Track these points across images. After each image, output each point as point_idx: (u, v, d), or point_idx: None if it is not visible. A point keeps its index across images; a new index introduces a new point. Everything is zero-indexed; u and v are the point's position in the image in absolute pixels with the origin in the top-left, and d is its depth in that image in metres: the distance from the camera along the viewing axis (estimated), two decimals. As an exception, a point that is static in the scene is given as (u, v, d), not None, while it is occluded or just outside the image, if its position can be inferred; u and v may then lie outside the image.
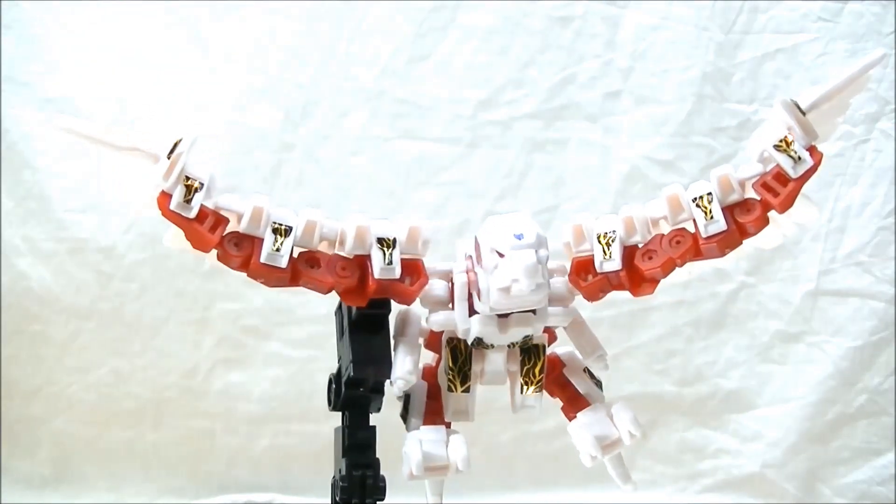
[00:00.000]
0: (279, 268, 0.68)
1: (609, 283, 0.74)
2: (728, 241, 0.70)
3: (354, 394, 0.76)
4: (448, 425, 0.74)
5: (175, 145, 0.67)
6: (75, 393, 1.48)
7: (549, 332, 0.76)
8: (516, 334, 0.71)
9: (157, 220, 1.52)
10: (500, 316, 0.68)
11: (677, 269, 0.73)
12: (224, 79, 1.48)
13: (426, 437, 0.72)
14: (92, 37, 1.48)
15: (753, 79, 1.47)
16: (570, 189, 1.49)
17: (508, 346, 0.72)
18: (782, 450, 1.45)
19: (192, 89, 1.48)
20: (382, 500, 0.75)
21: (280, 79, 1.49)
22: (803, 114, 0.68)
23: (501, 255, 0.64)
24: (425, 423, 0.74)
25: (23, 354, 1.47)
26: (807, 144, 0.70)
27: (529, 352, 0.74)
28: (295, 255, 0.69)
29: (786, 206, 0.68)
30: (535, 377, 0.74)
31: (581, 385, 0.79)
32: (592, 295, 0.75)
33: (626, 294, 1.49)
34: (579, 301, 0.77)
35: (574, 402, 0.78)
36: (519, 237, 0.64)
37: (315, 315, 1.40)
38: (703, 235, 0.69)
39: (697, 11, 1.47)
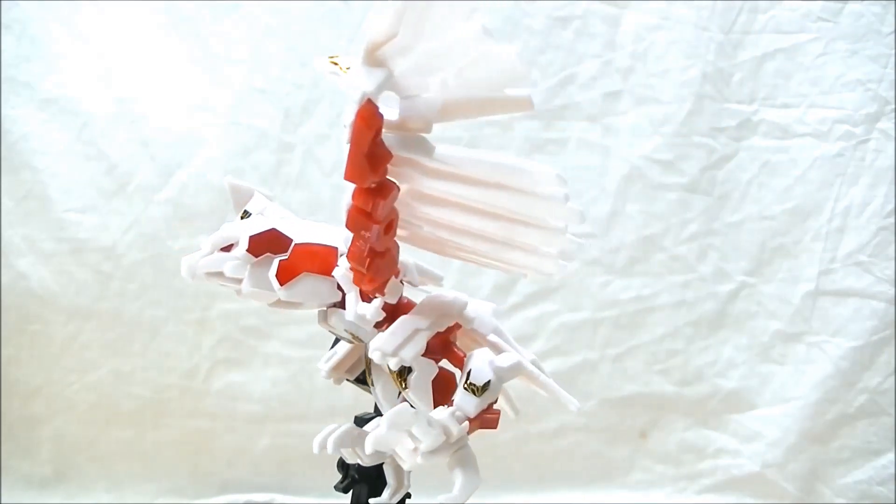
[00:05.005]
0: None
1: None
2: (356, 223, 0.61)
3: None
4: None
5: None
6: (75, 393, 1.48)
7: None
8: (336, 324, 0.72)
9: (156, 221, 1.52)
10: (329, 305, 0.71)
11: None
12: (224, 79, 1.48)
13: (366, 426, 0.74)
14: (92, 37, 1.48)
15: (753, 79, 1.47)
16: (570, 189, 1.48)
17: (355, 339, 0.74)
18: (782, 450, 1.45)
19: (192, 89, 1.48)
20: (366, 485, 0.79)
21: (280, 79, 1.49)
22: (341, 66, 0.56)
23: None
24: None
25: (23, 354, 1.47)
26: (356, 105, 0.55)
27: None
28: None
29: (348, 176, 0.57)
30: (391, 373, 0.72)
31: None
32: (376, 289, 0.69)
33: (627, 294, 1.51)
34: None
35: None
36: None
37: (315, 315, 1.40)
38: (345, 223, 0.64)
39: (697, 11, 1.47)
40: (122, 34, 1.48)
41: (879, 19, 1.45)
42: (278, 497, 1.44)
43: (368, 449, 0.66)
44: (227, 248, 0.68)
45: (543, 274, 0.69)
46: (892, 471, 1.43)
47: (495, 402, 0.72)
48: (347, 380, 0.81)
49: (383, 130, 0.57)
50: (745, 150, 1.48)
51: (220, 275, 0.68)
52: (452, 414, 0.68)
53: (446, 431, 0.67)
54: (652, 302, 1.48)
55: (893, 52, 1.43)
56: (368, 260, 0.64)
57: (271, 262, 0.67)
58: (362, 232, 0.62)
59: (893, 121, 1.44)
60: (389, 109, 0.56)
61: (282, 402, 1.48)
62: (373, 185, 0.58)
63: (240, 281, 0.67)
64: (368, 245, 0.63)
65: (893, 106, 1.44)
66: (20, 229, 1.46)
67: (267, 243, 0.68)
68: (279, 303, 0.70)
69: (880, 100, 1.44)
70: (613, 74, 1.48)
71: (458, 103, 0.54)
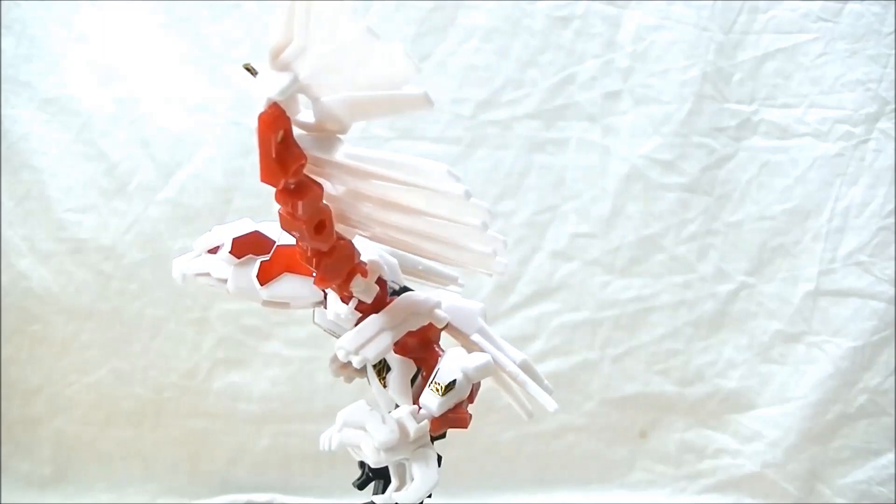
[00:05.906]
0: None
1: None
2: (285, 223, 0.62)
3: None
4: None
5: None
6: (75, 393, 1.48)
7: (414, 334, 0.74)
8: (320, 322, 0.75)
9: (156, 221, 1.52)
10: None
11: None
12: (224, 79, 1.48)
13: None
14: (92, 37, 1.48)
15: (753, 79, 1.47)
16: (570, 189, 1.49)
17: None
18: (782, 450, 1.45)
19: (192, 89, 1.48)
20: (381, 482, 0.79)
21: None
22: (253, 73, 0.56)
23: None
24: None
25: (23, 354, 1.47)
26: (263, 106, 0.54)
27: None
28: None
29: (262, 178, 0.57)
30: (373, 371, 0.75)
31: None
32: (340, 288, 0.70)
33: (627, 294, 1.51)
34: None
35: None
36: None
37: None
38: None
39: (697, 11, 1.47)
40: (122, 34, 1.48)
41: (879, 19, 1.45)
42: (278, 497, 1.44)
43: (333, 446, 0.68)
44: (215, 251, 0.72)
45: (493, 272, 0.69)
46: (892, 471, 1.43)
47: (467, 401, 0.72)
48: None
49: (302, 132, 0.57)
50: (745, 150, 1.48)
51: (208, 276, 0.72)
52: (413, 412, 0.69)
53: (402, 429, 0.68)
54: (652, 302, 1.49)
55: (893, 52, 1.43)
56: (315, 259, 0.65)
57: (253, 263, 0.71)
58: (293, 232, 0.63)
59: (893, 121, 1.44)
60: (306, 111, 0.57)
61: (282, 402, 1.48)
62: (291, 186, 0.59)
63: (225, 281, 0.71)
64: (309, 245, 0.64)
65: (893, 106, 1.44)
66: (20, 229, 1.46)
67: (250, 245, 0.71)
68: (267, 303, 0.73)
69: (880, 100, 1.44)
70: (613, 74, 1.48)
71: (361, 103, 0.54)
